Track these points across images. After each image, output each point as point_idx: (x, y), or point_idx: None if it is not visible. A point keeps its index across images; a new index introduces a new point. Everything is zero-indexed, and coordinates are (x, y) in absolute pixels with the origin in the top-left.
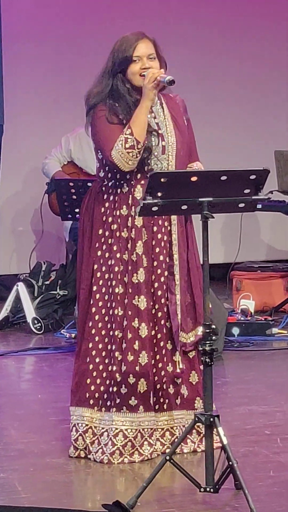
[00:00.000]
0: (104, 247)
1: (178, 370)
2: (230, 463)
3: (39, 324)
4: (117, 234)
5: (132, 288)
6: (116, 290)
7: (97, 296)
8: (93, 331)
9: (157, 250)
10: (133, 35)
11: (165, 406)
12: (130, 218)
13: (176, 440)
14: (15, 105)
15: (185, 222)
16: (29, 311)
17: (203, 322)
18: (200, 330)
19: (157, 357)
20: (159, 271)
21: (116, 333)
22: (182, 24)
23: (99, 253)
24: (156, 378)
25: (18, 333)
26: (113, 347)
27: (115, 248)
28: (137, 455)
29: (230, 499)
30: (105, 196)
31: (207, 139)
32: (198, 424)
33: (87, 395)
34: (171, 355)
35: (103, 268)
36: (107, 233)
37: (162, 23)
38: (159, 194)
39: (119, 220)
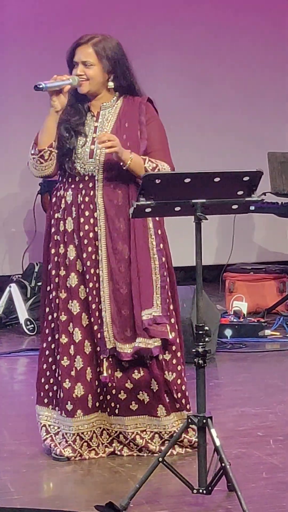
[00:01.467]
0: (50, 245)
1: (104, 374)
2: (223, 464)
3: (32, 325)
4: (54, 237)
5: (66, 292)
6: (54, 294)
7: (50, 295)
8: (46, 331)
9: (84, 255)
10: (77, 39)
11: (116, 411)
12: (61, 222)
13: (141, 442)
14: (7, 106)
15: (129, 229)
16: (22, 312)
17: (196, 323)
18: (138, 341)
19: (97, 361)
20: (87, 276)
21: (57, 336)
22: (177, 29)
23: (52, 250)
24: (97, 382)
25: (10, 334)
26: (56, 350)
27: (52, 251)
28: (85, 453)
29: (223, 500)
30: (52, 200)
31: (200, 142)
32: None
33: (42, 394)
34: (104, 361)
35: (52, 269)
36: (48, 237)
37: (158, 28)
38: (152, 195)
39: (55, 224)
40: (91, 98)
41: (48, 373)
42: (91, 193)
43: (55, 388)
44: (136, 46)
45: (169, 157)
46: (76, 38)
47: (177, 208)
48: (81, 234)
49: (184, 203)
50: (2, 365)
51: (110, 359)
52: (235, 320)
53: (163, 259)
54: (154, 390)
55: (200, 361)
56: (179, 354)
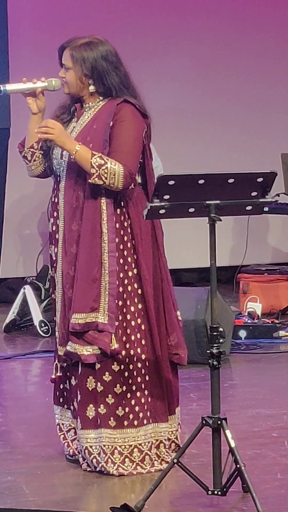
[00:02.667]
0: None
1: (53, 376)
2: (238, 466)
3: (46, 327)
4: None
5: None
6: (53, 294)
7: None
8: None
9: (54, 258)
10: (63, 42)
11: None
12: (49, 223)
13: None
14: (21, 108)
15: (83, 230)
16: (36, 314)
17: (211, 324)
18: (68, 344)
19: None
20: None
21: None
22: (184, 35)
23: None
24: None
25: (25, 336)
26: None
27: (49, 251)
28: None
29: (238, 501)
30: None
31: (213, 142)
32: (136, 449)
33: (57, 393)
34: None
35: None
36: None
37: (165, 34)
38: (166, 196)
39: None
40: (81, 98)
41: (60, 373)
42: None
43: (66, 387)
44: (142, 53)
45: (128, 159)
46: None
47: (191, 210)
48: (53, 235)
49: (198, 204)
50: (17, 367)
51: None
52: (249, 321)
53: (125, 266)
54: (78, 400)
55: (215, 362)
56: (131, 366)
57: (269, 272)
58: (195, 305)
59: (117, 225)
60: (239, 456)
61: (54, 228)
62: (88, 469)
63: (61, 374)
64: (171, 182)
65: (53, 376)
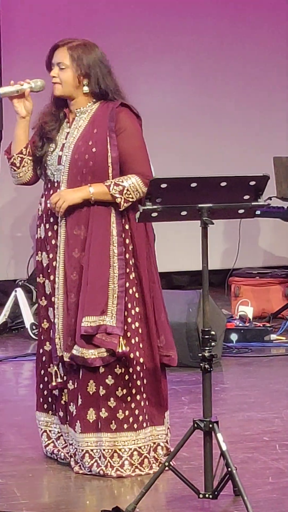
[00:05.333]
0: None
1: (53, 383)
2: (229, 469)
3: (37, 330)
4: (36, 244)
5: (46, 300)
6: (39, 301)
7: (39, 300)
8: (42, 337)
9: (48, 262)
10: (57, 42)
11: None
12: (38, 229)
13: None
14: (13, 111)
15: (86, 236)
16: (28, 317)
17: (202, 328)
18: (74, 348)
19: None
20: (54, 285)
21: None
22: (182, 35)
23: (36, 257)
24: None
25: (16, 338)
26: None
27: (36, 258)
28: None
29: (229, 505)
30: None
31: (205, 146)
32: (136, 452)
33: (41, 400)
34: (54, 368)
35: (36, 275)
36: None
37: (163, 35)
38: (158, 200)
39: (36, 231)
40: (68, 103)
41: (46, 379)
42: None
43: (54, 393)
44: (140, 54)
45: (142, 165)
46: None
47: (184, 213)
48: (47, 242)
49: (190, 207)
50: (8, 369)
51: (66, 367)
52: (240, 324)
53: (127, 269)
54: (78, 404)
55: (206, 366)
56: (131, 370)
57: (261, 276)
58: (186, 309)
59: (122, 228)
60: (230, 460)
61: (50, 234)
62: (81, 471)
63: (61, 380)
64: (164, 185)
65: (54, 383)
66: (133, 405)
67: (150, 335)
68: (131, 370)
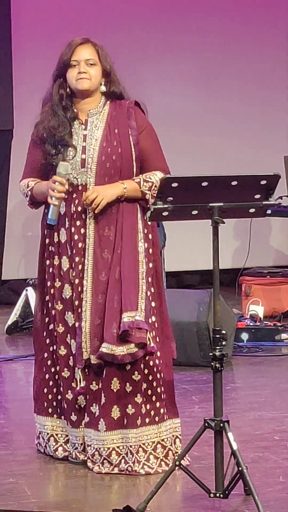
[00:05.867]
0: (40, 259)
1: (77, 388)
2: (240, 468)
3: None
4: (49, 248)
5: (63, 304)
6: (50, 305)
7: (49, 305)
8: (47, 341)
9: (73, 265)
10: (77, 39)
11: (83, 423)
12: (55, 233)
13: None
14: (24, 110)
15: (115, 236)
16: None
17: (213, 327)
18: (103, 346)
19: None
20: (79, 288)
21: (54, 347)
22: (185, 35)
23: (47, 262)
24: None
25: (27, 337)
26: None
27: (47, 262)
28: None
29: (240, 504)
30: (45, 210)
31: (214, 145)
32: (159, 445)
33: (45, 404)
34: (79, 372)
35: (47, 280)
36: (42, 248)
37: (166, 34)
38: (170, 198)
39: (50, 235)
40: (78, 102)
41: (51, 383)
42: (82, 202)
43: (59, 397)
44: (143, 53)
45: (163, 162)
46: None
47: (194, 212)
48: (72, 244)
49: (201, 206)
50: (19, 368)
51: (86, 370)
52: (251, 324)
53: (151, 264)
54: (102, 403)
55: (217, 365)
56: (151, 363)
57: (271, 275)
58: (197, 308)
59: (145, 223)
60: (241, 459)
61: (76, 237)
62: (103, 470)
63: (83, 385)
64: (175, 184)
65: (79, 388)
66: (154, 398)
67: (164, 329)
68: (151, 363)
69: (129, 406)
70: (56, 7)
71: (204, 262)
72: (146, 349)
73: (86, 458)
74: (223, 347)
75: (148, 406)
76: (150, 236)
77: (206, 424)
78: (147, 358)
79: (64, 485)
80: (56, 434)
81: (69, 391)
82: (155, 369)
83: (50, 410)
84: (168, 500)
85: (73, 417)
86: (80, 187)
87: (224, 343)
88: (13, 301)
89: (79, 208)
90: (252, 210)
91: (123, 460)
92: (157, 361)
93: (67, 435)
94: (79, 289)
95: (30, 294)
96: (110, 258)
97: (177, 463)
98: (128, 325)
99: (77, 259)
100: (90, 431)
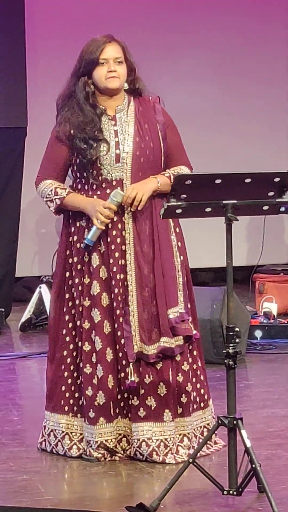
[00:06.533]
0: (62, 255)
1: (128, 382)
2: (253, 466)
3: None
4: (77, 245)
5: (90, 300)
6: (77, 301)
7: (70, 303)
8: (67, 339)
9: (111, 261)
10: (102, 37)
11: (129, 415)
12: (86, 230)
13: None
14: (38, 108)
15: (153, 230)
16: None
17: (227, 324)
18: (163, 341)
19: (119, 367)
20: (113, 282)
21: (80, 344)
22: (202, 33)
23: (70, 260)
24: (122, 387)
25: (40, 335)
26: (79, 358)
27: (75, 259)
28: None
29: (253, 502)
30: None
31: (228, 144)
32: (205, 429)
33: (62, 402)
34: (130, 366)
35: (75, 277)
36: (67, 244)
37: (182, 32)
38: (183, 196)
39: (78, 232)
40: (104, 99)
41: (70, 381)
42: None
43: (76, 395)
44: (159, 51)
45: (186, 157)
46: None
47: (208, 209)
48: (108, 240)
49: (214, 204)
50: (32, 365)
51: (135, 364)
52: (265, 321)
53: (182, 257)
54: (162, 395)
55: (231, 362)
56: (195, 353)
57: (285, 272)
58: (211, 305)
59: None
60: (254, 456)
61: (114, 233)
62: (179, 459)
63: (134, 379)
64: (188, 182)
65: (133, 379)
66: (198, 386)
67: (194, 316)
68: (195, 353)
69: (183, 395)
70: (69, 6)
71: (217, 260)
72: (192, 338)
73: (99, 455)
74: (236, 345)
75: (194, 393)
76: (177, 229)
77: (220, 422)
78: (190, 348)
79: (77, 482)
80: (71, 433)
81: (90, 387)
82: (198, 357)
83: (66, 408)
84: (181, 498)
85: (91, 414)
86: (114, 182)
87: (237, 340)
88: (27, 298)
89: None
90: (265, 208)
91: (190, 447)
92: (196, 350)
93: (81, 434)
94: (120, 284)
95: (44, 291)
96: (149, 252)
97: (191, 460)
98: (174, 321)
99: (116, 254)
100: (144, 424)
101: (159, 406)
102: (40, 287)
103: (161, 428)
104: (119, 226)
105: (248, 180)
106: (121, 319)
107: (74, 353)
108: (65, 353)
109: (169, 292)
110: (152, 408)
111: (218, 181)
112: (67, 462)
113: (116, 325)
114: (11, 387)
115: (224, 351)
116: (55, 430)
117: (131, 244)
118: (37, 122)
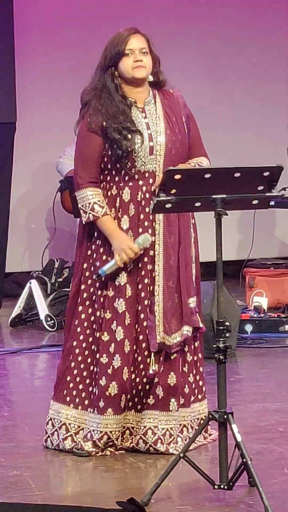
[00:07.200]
0: (93, 247)
1: (150, 372)
2: (244, 460)
3: (52, 321)
4: (100, 235)
5: (114, 290)
6: (99, 292)
7: (84, 295)
8: (78, 330)
9: (142, 251)
10: (126, 30)
11: (138, 407)
12: (116, 221)
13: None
14: (27, 103)
15: (178, 220)
16: (42, 309)
17: (217, 319)
18: (185, 329)
19: (139, 358)
20: (143, 272)
21: (98, 334)
22: (192, 25)
23: (88, 252)
24: (138, 379)
25: (31, 330)
26: (95, 348)
27: (101, 250)
28: (107, 451)
29: (244, 496)
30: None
31: (217, 137)
32: (202, 421)
33: (65, 392)
34: (152, 355)
35: (92, 268)
36: (95, 234)
37: (169, 25)
38: (173, 191)
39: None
40: (131, 91)
41: (75, 372)
42: (152, 189)
43: (80, 387)
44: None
45: (204, 149)
46: (96, 31)
47: (197, 204)
48: (140, 230)
49: (204, 198)
50: (23, 361)
51: (156, 354)
52: (255, 315)
53: (195, 249)
54: (171, 384)
55: (221, 357)
56: (197, 344)
57: (275, 266)
58: (201, 299)
59: None
60: (245, 451)
61: (146, 224)
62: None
63: (155, 368)
64: (178, 177)
65: (151, 371)
66: (198, 377)
67: (199, 311)
68: (196, 344)
69: (186, 386)
70: (58, 0)
71: (208, 254)
72: (200, 330)
73: (91, 449)
74: (226, 339)
75: (194, 385)
76: (193, 221)
77: (210, 416)
78: (194, 340)
79: (68, 478)
80: (69, 424)
81: (104, 377)
82: (198, 350)
83: (68, 398)
84: (172, 492)
85: (101, 404)
86: (147, 174)
87: (227, 334)
88: (17, 294)
89: (147, 195)
90: (255, 202)
91: (179, 439)
92: (198, 342)
93: (79, 426)
94: (149, 275)
95: (34, 286)
96: (176, 242)
97: (181, 455)
98: (194, 310)
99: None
100: (154, 412)
101: (166, 395)
102: (30, 283)
103: (166, 417)
104: (151, 217)
105: (237, 175)
106: (147, 310)
107: (84, 344)
108: (74, 343)
109: (189, 281)
110: (160, 397)
111: (207, 175)
112: (58, 458)
113: (142, 316)
114: (1, 383)
115: (215, 346)
116: (53, 419)
117: (161, 234)
118: (26, 117)
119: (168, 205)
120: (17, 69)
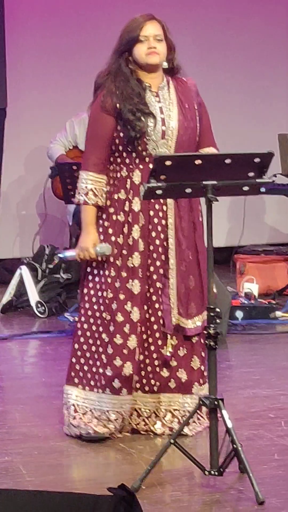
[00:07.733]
0: (100, 229)
1: (167, 353)
2: (235, 446)
3: (43, 308)
4: (113, 217)
5: (126, 272)
6: (106, 272)
7: (90, 277)
8: (82, 311)
9: (154, 234)
10: (142, 16)
11: (155, 389)
12: (127, 202)
13: (177, 422)
14: (17, 88)
15: (191, 206)
16: (33, 295)
17: (207, 305)
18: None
19: (150, 340)
20: (155, 255)
21: (104, 315)
22: (184, 9)
23: (110, 230)
24: (147, 360)
25: (21, 316)
26: (101, 329)
27: (110, 231)
28: (119, 432)
29: (235, 482)
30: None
31: (216, 121)
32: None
33: (72, 373)
34: (165, 339)
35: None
36: (104, 216)
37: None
38: (163, 177)
39: (116, 204)
40: (145, 76)
41: (79, 353)
42: None
43: (86, 368)
44: None
45: (214, 139)
46: (88, 19)
47: (188, 190)
48: (151, 213)
49: (195, 185)
50: (13, 347)
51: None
52: (246, 302)
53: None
54: (195, 368)
55: (212, 343)
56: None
57: (266, 253)
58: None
59: None
60: (236, 437)
61: (157, 207)
62: (197, 430)
63: (172, 350)
64: (168, 163)
65: (168, 353)
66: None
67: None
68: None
69: (184, 373)
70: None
71: None
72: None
73: (105, 430)
74: (217, 325)
75: (202, 367)
76: (199, 207)
77: (201, 402)
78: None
79: (59, 464)
80: (78, 405)
81: (118, 357)
82: (201, 336)
83: (76, 380)
84: (163, 478)
85: (116, 384)
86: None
87: (218, 321)
88: (7, 280)
89: None
90: (245, 188)
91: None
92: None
93: (87, 407)
94: (162, 258)
95: (25, 273)
96: (186, 227)
97: (172, 441)
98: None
99: (159, 228)
100: (179, 395)
101: (190, 378)
102: (21, 269)
103: (190, 400)
104: (161, 200)
105: (228, 161)
106: (159, 292)
107: (94, 327)
108: (78, 325)
109: (204, 267)
110: (183, 380)
111: (198, 161)
112: (48, 444)
113: (154, 298)
114: None
115: (205, 332)
116: (67, 402)
117: (171, 219)
118: (16, 104)
119: (159, 191)
120: (8, 54)
